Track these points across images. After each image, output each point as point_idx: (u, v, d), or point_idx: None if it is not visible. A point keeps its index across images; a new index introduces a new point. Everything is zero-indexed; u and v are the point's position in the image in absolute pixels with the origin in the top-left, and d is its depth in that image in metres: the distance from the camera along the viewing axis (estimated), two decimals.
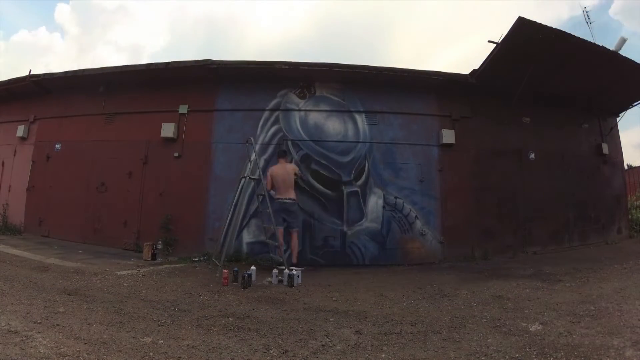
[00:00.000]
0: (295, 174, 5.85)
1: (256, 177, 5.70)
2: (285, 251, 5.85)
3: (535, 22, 5.44)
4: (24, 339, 2.51)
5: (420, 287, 4.59)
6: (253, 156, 5.80)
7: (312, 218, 6.39)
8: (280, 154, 6.08)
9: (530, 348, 2.59)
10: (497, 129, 7.21)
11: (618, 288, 4.05)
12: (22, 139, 7.85)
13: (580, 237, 7.53)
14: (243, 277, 4.48)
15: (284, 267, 4.98)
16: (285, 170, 5.82)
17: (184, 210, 6.48)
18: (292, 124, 6.69)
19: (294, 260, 5.60)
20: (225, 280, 4.54)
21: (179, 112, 6.85)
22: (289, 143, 6.60)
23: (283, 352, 2.60)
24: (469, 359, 2.50)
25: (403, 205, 6.54)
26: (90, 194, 7.03)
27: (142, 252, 6.06)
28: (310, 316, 3.45)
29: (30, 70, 7.53)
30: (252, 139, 5.94)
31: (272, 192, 5.74)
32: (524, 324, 3.09)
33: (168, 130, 6.69)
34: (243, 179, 5.99)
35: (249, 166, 5.98)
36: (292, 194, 5.74)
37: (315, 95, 6.81)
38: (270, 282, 4.76)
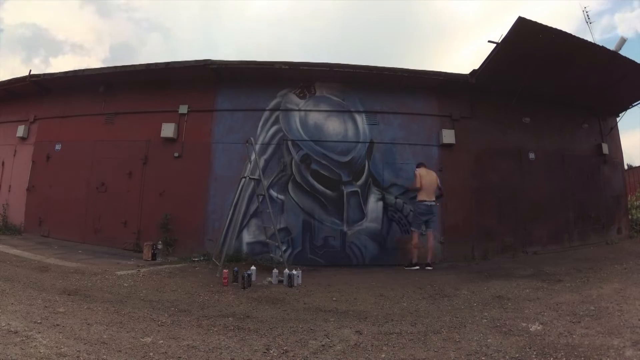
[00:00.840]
0: (438, 184, 6.06)
1: (256, 177, 5.71)
2: (285, 251, 5.86)
3: (535, 22, 5.44)
4: (24, 339, 2.50)
5: (420, 287, 4.59)
6: (253, 156, 5.80)
7: (312, 218, 6.39)
8: (421, 164, 6.24)
9: (530, 348, 2.59)
10: (497, 129, 7.21)
11: (618, 288, 4.05)
12: (22, 139, 7.85)
13: (580, 237, 7.53)
14: (243, 277, 4.48)
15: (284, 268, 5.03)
16: (431, 175, 6.06)
17: (184, 210, 6.48)
18: (292, 124, 6.69)
19: (429, 259, 5.83)
20: (225, 281, 4.54)
21: (179, 112, 6.86)
22: (289, 143, 6.60)
23: (283, 352, 2.60)
24: (469, 359, 2.50)
25: (403, 206, 6.54)
26: (90, 194, 7.03)
27: (142, 252, 6.07)
28: (310, 316, 3.45)
29: (30, 71, 7.56)
30: (252, 139, 5.94)
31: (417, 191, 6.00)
32: (524, 324, 3.09)
33: (168, 130, 6.70)
34: (243, 179, 5.99)
35: (249, 166, 5.98)
36: (434, 199, 5.99)
37: (315, 95, 6.82)
38: (270, 282, 4.76)
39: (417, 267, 5.79)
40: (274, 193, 6.42)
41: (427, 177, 6.00)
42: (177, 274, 5.02)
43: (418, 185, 5.96)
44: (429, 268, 5.75)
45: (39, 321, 2.87)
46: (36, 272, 4.57)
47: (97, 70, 7.23)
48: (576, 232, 7.53)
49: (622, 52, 6.57)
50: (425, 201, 5.93)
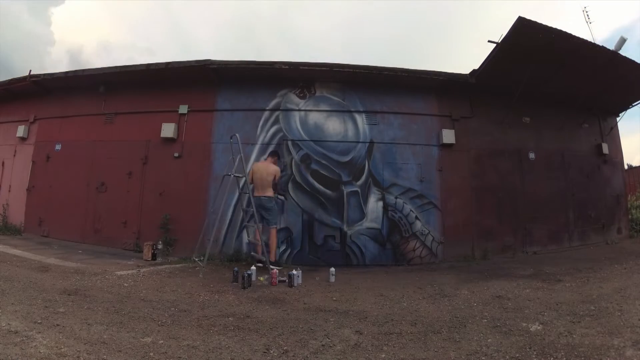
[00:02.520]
0: (275, 177, 5.76)
1: (241, 175, 5.62)
2: (284, 251, 5.85)
3: (535, 22, 5.44)
4: (24, 339, 2.51)
5: (420, 287, 4.59)
6: (239, 154, 5.56)
7: (312, 218, 6.39)
8: (272, 153, 6.10)
9: (530, 348, 2.59)
10: (497, 129, 7.21)
11: (618, 288, 4.05)
12: (22, 139, 7.85)
13: (580, 237, 7.53)
14: (243, 277, 4.48)
15: (263, 265, 5.21)
16: (266, 169, 5.77)
17: (184, 210, 6.48)
18: (292, 124, 6.69)
19: (272, 257, 5.52)
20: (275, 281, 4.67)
21: (179, 112, 6.85)
22: (289, 143, 6.60)
23: (283, 352, 2.60)
24: (469, 359, 2.50)
25: (403, 205, 6.54)
26: (90, 194, 7.03)
27: (142, 252, 6.06)
28: (310, 316, 3.45)
29: (30, 71, 7.54)
30: (237, 135, 5.61)
31: (250, 186, 5.70)
32: (524, 324, 3.09)
33: (168, 130, 6.70)
34: (227, 176, 5.68)
35: (235, 164, 5.78)
36: (268, 192, 5.68)
37: (315, 95, 6.81)
38: (266, 281, 4.76)
39: (261, 265, 5.44)
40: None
41: (259, 172, 5.72)
42: (177, 274, 5.02)
43: (249, 181, 5.76)
44: (272, 268, 5.10)
45: (39, 321, 2.87)
46: (36, 272, 4.57)
47: (97, 70, 7.22)
48: (576, 232, 7.53)
49: (622, 52, 6.57)
50: (255, 196, 5.59)
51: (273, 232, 5.71)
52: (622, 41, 6.52)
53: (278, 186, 5.95)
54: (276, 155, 6.08)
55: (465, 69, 7.32)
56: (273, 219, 5.75)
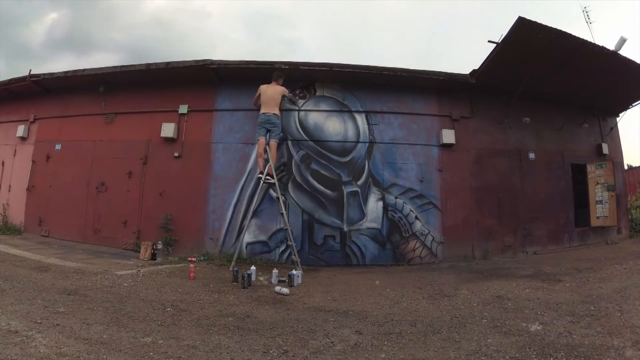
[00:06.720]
0: (284, 96, 6.28)
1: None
2: (284, 251, 5.85)
3: (535, 22, 5.44)
4: (24, 339, 2.51)
5: (420, 287, 4.59)
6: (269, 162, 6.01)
7: (312, 218, 6.39)
8: (275, 76, 6.31)
9: (530, 348, 2.59)
10: (497, 129, 7.21)
11: (618, 288, 4.05)
12: (22, 139, 7.84)
13: (580, 237, 7.53)
14: (243, 277, 4.49)
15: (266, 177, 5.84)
16: (275, 90, 6.21)
17: (184, 210, 6.47)
18: (292, 124, 6.69)
19: (271, 170, 5.97)
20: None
21: (179, 112, 6.84)
22: (289, 143, 6.60)
23: (283, 352, 2.60)
24: (469, 359, 2.50)
25: (403, 205, 6.54)
26: (90, 194, 7.03)
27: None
28: (310, 316, 3.45)
29: (30, 70, 7.54)
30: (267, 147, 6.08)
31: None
32: (524, 324, 3.09)
33: (168, 130, 6.69)
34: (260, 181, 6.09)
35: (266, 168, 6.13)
36: (275, 110, 6.18)
37: (316, 95, 6.81)
38: (270, 282, 4.76)
39: (260, 176, 5.97)
40: (274, 193, 6.41)
41: (269, 92, 6.16)
42: (177, 274, 5.02)
43: (254, 102, 6.32)
44: (268, 179, 5.94)
45: (39, 321, 2.87)
46: (36, 272, 4.57)
47: (97, 70, 7.21)
48: (576, 232, 7.53)
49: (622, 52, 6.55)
50: (264, 113, 6.11)
51: (274, 144, 6.18)
52: (622, 41, 6.50)
53: (284, 100, 6.43)
54: (280, 77, 6.34)
55: (465, 69, 7.30)
56: (277, 134, 6.21)
